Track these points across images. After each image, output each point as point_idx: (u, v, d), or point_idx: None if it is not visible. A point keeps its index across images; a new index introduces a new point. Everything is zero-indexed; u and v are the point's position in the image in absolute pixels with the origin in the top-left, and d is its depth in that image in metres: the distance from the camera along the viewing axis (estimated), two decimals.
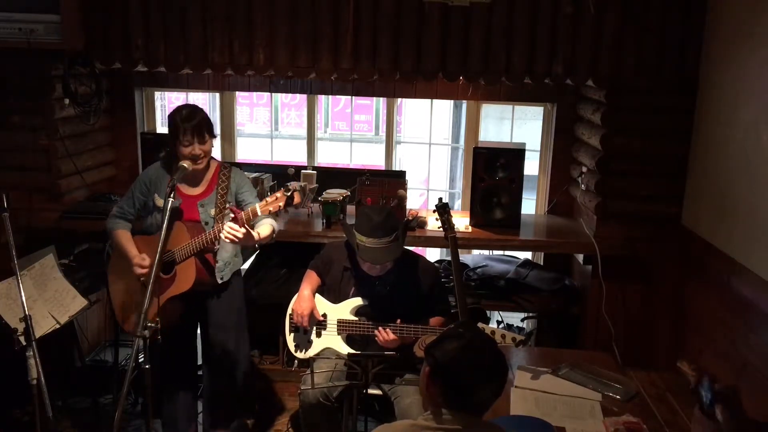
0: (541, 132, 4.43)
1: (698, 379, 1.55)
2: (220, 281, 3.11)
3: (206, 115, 3.02)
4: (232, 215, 2.83)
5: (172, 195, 2.66)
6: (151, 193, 3.08)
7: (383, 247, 2.95)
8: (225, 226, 2.81)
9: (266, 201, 2.79)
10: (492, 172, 3.88)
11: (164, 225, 2.57)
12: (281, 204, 2.75)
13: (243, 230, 2.80)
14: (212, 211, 3.05)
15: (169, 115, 3.03)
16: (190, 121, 2.93)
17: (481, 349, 1.81)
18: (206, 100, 8.60)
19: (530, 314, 4.10)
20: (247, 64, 3.62)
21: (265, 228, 2.97)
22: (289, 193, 2.74)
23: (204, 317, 3.19)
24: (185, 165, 2.91)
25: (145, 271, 2.95)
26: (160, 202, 3.04)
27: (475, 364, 1.77)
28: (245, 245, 3.03)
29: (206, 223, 3.05)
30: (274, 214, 2.88)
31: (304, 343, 3.15)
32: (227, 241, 2.83)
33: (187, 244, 2.92)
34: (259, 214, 2.79)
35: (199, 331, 3.33)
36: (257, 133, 9.37)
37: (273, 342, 4.06)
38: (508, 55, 3.51)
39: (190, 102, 4.93)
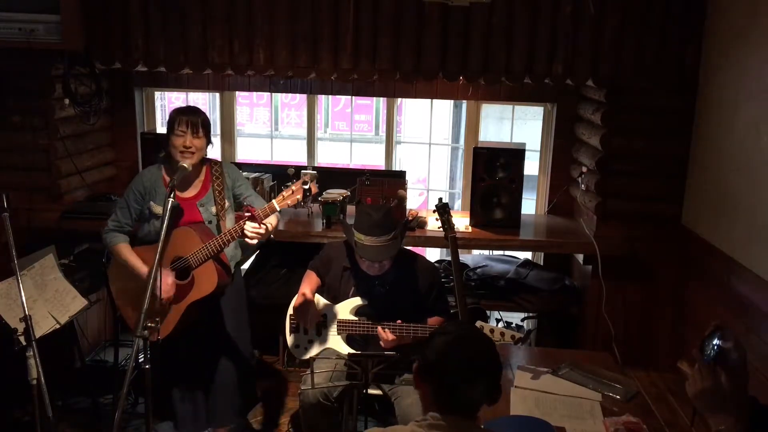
0: (541, 132, 4.43)
1: (711, 330, 1.53)
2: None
3: (207, 117, 3.05)
4: (248, 214, 2.83)
5: (172, 195, 2.66)
6: (146, 201, 3.06)
7: (381, 245, 2.95)
8: (246, 227, 2.81)
9: (283, 195, 2.80)
10: (492, 172, 3.88)
11: (164, 225, 2.56)
12: (299, 197, 2.78)
13: (263, 228, 2.83)
14: (213, 209, 3.06)
15: (170, 113, 3.07)
16: (186, 114, 2.98)
17: (467, 343, 1.72)
18: (206, 100, 8.62)
19: (530, 314, 4.10)
20: (247, 64, 3.62)
21: (271, 218, 2.98)
22: (306, 186, 2.75)
23: (210, 314, 3.18)
24: (185, 165, 2.92)
25: (168, 294, 2.93)
26: (156, 209, 3.03)
27: (461, 358, 1.68)
28: (265, 239, 3.04)
29: (209, 222, 3.05)
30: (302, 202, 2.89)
31: (304, 343, 3.15)
32: (253, 242, 2.86)
33: (202, 248, 2.91)
34: (278, 209, 2.81)
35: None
36: (257, 133, 9.37)
37: (273, 342, 4.06)
38: (508, 55, 3.51)
39: (191, 102, 4.95)
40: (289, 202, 2.78)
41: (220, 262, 3.00)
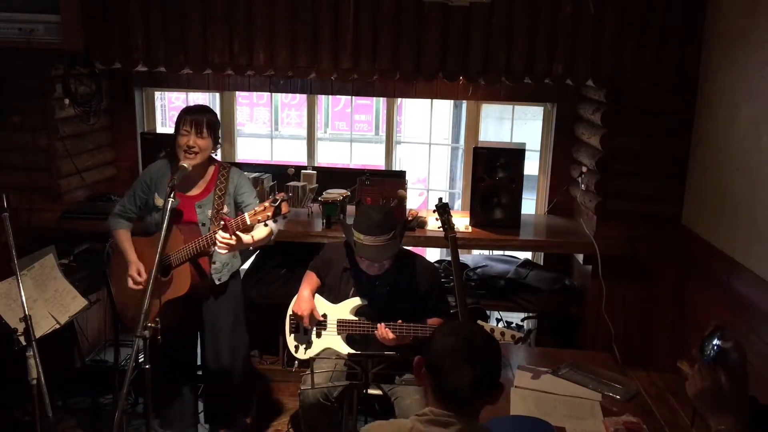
0: (541, 132, 4.43)
1: (711, 330, 1.54)
2: (217, 282, 3.11)
3: (215, 116, 3.06)
4: (223, 223, 2.83)
5: (172, 195, 2.66)
6: (151, 192, 3.09)
7: (381, 245, 2.95)
8: (217, 236, 2.82)
9: (255, 211, 2.79)
10: (492, 172, 3.88)
11: (164, 225, 2.57)
12: (269, 214, 2.76)
13: (233, 240, 2.81)
14: (209, 212, 3.06)
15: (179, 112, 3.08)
16: (192, 113, 2.99)
17: (469, 341, 1.71)
18: (206, 100, 8.60)
19: (530, 314, 4.10)
20: (247, 64, 3.62)
21: (261, 231, 2.98)
22: (276, 204, 2.74)
23: (203, 317, 3.19)
24: (185, 165, 2.92)
25: (138, 287, 2.97)
26: (158, 201, 3.04)
27: (461, 355, 1.68)
28: (239, 249, 3.03)
29: (203, 225, 3.05)
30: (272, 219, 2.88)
31: (304, 343, 3.15)
32: (221, 252, 2.85)
33: (182, 249, 2.93)
34: (248, 223, 2.79)
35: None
36: (257, 133, 9.36)
37: (273, 342, 4.06)
38: (508, 55, 3.51)
39: (191, 102, 4.94)
40: (259, 218, 2.77)
41: (197, 266, 3.01)
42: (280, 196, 2.78)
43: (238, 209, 3.13)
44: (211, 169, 3.12)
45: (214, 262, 3.07)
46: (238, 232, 2.83)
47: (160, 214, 2.96)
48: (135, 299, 3.00)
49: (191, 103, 3.79)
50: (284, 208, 2.76)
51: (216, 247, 2.85)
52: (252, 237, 2.93)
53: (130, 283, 3.00)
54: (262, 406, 3.74)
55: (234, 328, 3.23)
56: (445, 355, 1.68)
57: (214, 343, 3.19)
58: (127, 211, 3.13)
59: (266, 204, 2.78)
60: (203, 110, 3.04)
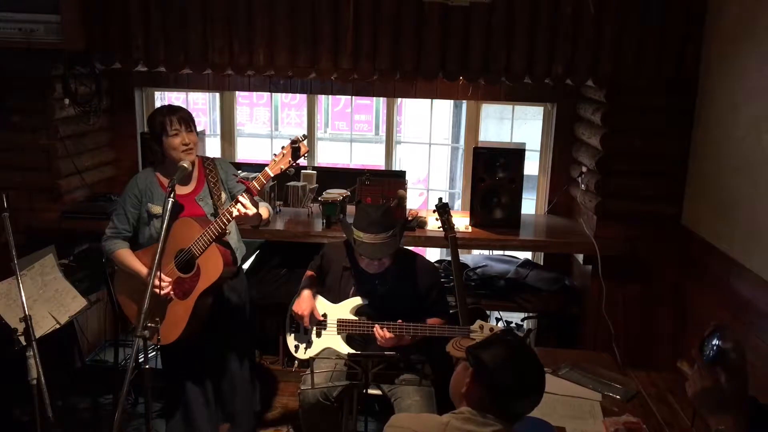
0: (541, 132, 4.43)
1: (711, 330, 1.54)
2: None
3: (188, 110, 3.06)
4: (245, 187, 2.80)
5: (172, 195, 2.65)
6: (143, 204, 3.04)
7: (380, 243, 2.95)
8: (240, 199, 2.77)
9: (274, 161, 2.76)
10: (492, 172, 3.88)
11: (164, 223, 2.56)
12: (289, 159, 2.75)
13: (251, 211, 2.79)
14: (212, 202, 3.06)
15: (149, 118, 3.05)
16: (174, 112, 2.97)
17: (529, 360, 1.81)
18: (206, 100, 8.62)
19: (530, 314, 4.10)
20: (247, 64, 3.62)
21: (263, 210, 2.99)
22: (296, 145, 2.72)
23: (218, 311, 3.13)
24: (185, 165, 2.91)
25: (167, 290, 2.91)
26: (155, 209, 3.00)
27: (522, 374, 1.78)
28: (249, 223, 3.01)
29: (211, 214, 3.05)
30: (268, 202, 2.85)
31: (304, 343, 3.15)
32: (238, 213, 2.80)
33: (202, 235, 2.87)
34: (271, 174, 2.78)
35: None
36: (257, 133, 9.36)
37: (273, 342, 4.06)
38: (508, 55, 3.51)
39: (191, 102, 4.95)
40: (282, 165, 2.75)
41: (225, 245, 2.98)
42: (297, 137, 2.75)
43: (231, 195, 3.12)
44: (197, 163, 3.11)
45: None
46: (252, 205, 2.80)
47: (161, 220, 2.94)
48: (163, 309, 2.96)
49: (192, 104, 3.78)
50: (303, 148, 2.74)
51: (234, 211, 2.78)
52: (263, 215, 2.93)
53: (162, 292, 2.91)
54: (261, 406, 3.74)
55: (245, 318, 3.22)
56: (510, 381, 1.76)
57: (231, 337, 3.16)
58: (120, 231, 3.06)
59: (284, 150, 2.75)
60: (180, 108, 3.03)
